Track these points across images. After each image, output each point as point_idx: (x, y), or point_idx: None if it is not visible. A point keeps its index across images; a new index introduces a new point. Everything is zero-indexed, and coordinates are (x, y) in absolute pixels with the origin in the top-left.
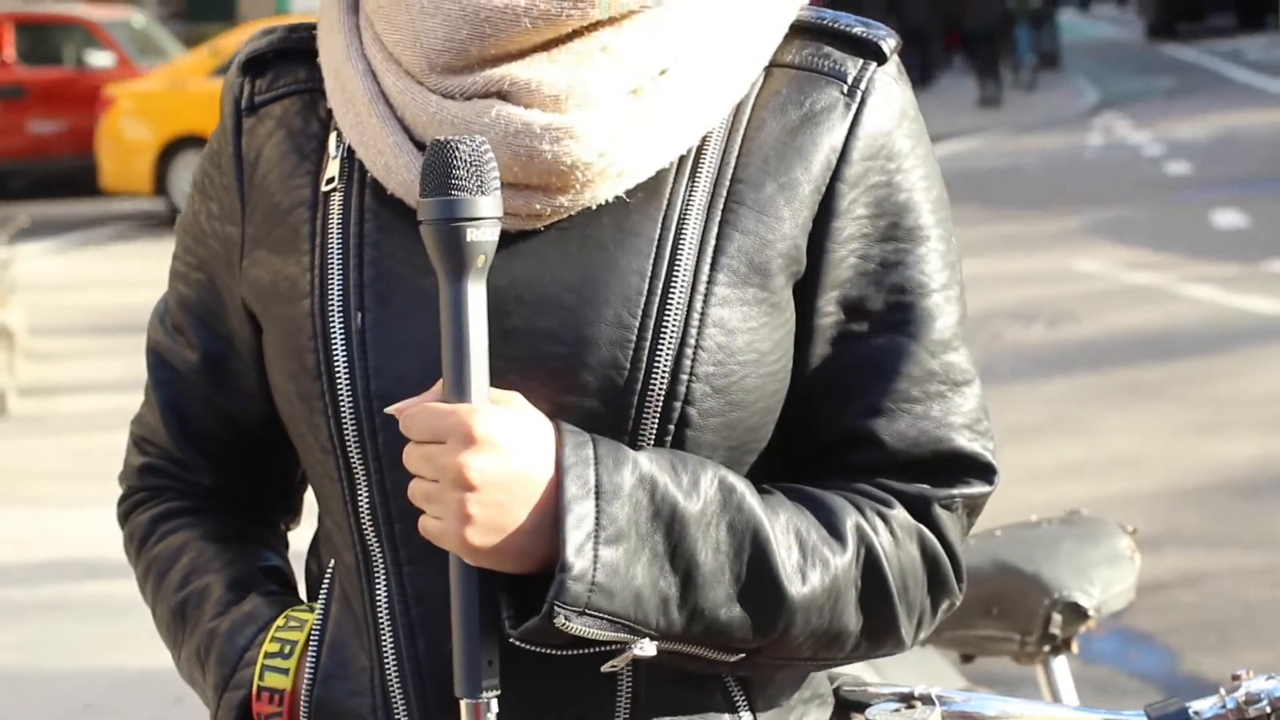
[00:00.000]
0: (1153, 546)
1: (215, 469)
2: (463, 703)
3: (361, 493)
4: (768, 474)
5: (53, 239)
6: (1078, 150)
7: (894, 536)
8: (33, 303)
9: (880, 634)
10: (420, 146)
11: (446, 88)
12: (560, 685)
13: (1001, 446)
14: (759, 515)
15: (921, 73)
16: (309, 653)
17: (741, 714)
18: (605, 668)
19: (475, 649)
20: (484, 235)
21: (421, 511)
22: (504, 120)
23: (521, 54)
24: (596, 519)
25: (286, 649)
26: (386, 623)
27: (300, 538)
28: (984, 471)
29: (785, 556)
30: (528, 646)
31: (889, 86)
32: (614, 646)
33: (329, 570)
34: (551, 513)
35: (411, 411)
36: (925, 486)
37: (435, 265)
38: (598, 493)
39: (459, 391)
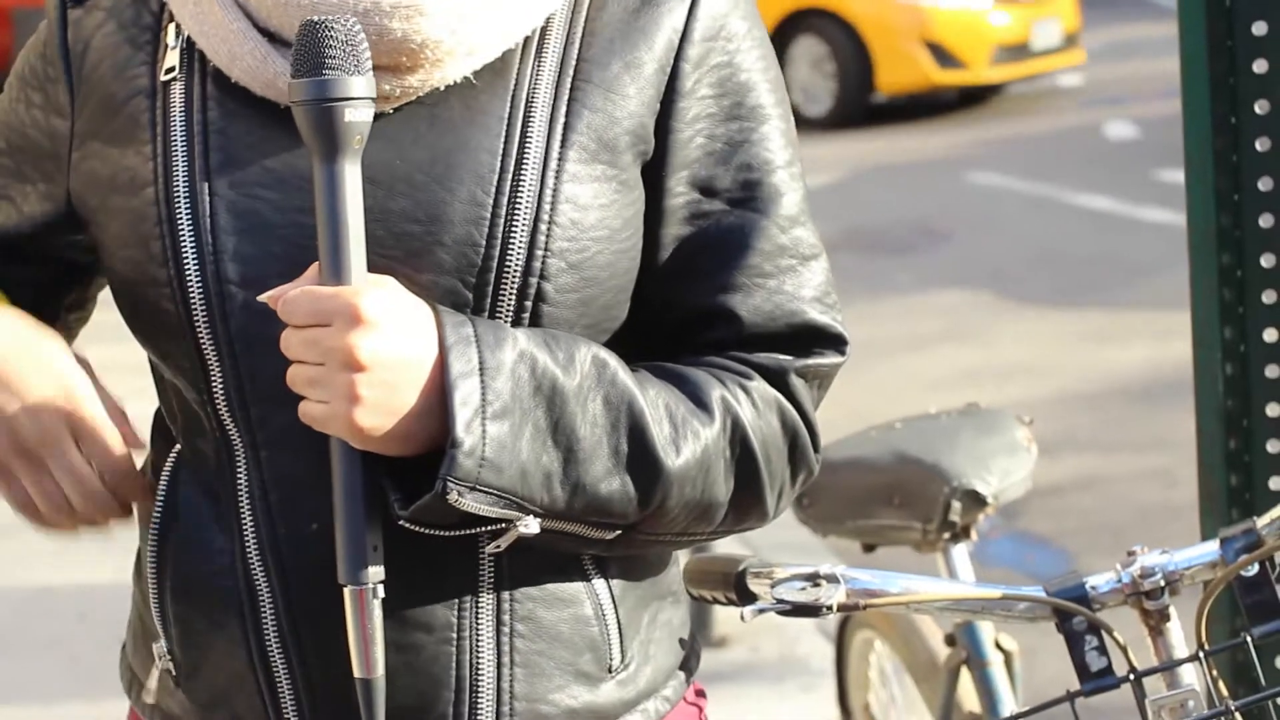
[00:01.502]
0: (1048, 451)
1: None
2: (346, 589)
3: (215, 378)
4: (625, 353)
5: None
6: None
7: (755, 408)
8: None
9: (746, 505)
10: (264, 33)
11: None
12: (426, 567)
13: (899, 356)
14: (632, 389)
15: None
16: (151, 532)
17: (599, 593)
18: (490, 548)
19: (360, 534)
20: (360, 115)
21: (282, 395)
22: (352, 0)
23: None
24: (483, 395)
25: None
26: (246, 507)
27: None
28: (836, 342)
29: (659, 430)
30: (415, 528)
31: None
32: (499, 526)
33: (173, 453)
34: (438, 392)
35: (291, 295)
36: (782, 357)
37: (309, 146)
38: (481, 370)
39: (336, 274)
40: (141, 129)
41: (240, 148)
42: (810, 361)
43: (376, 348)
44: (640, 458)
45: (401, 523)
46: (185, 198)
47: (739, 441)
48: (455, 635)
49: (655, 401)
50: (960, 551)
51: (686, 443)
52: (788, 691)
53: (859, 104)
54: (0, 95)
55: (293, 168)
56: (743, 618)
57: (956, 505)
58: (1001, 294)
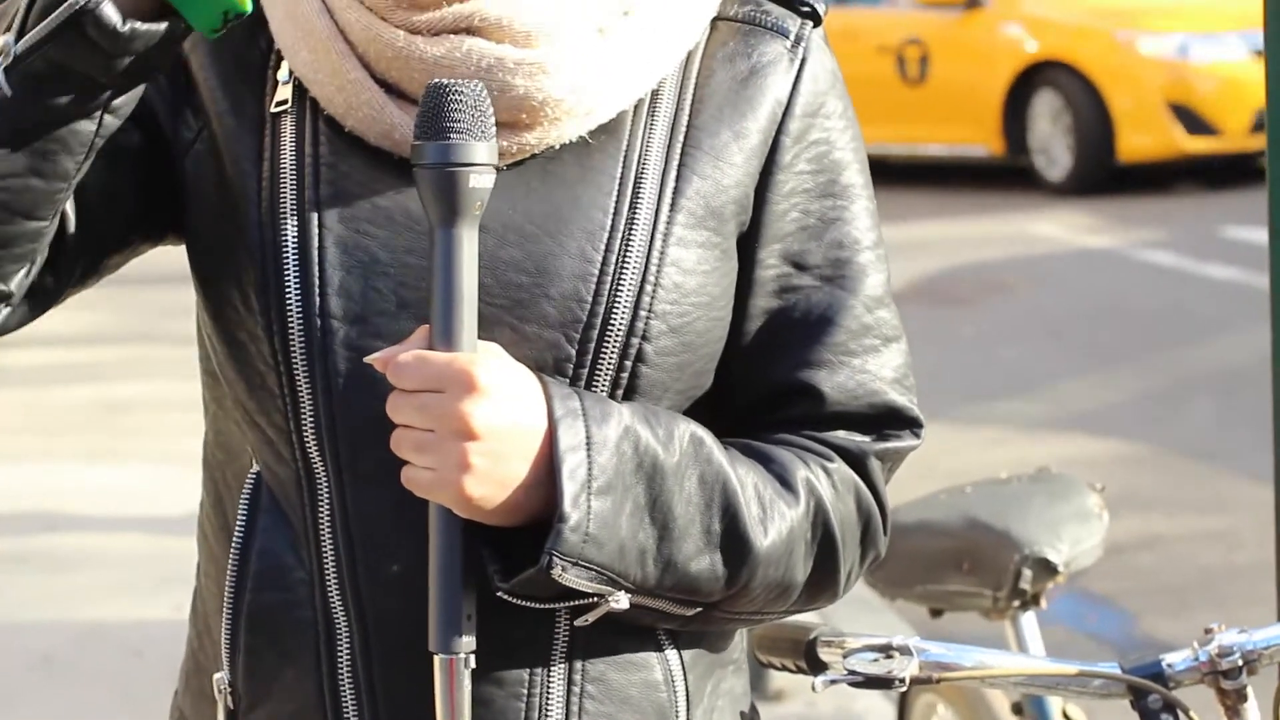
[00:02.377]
0: (1110, 509)
1: None
2: (437, 659)
3: (306, 410)
4: (705, 424)
5: None
6: None
7: (836, 490)
8: None
9: (821, 586)
10: (382, 84)
11: (413, 23)
12: (503, 621)
13: (961, 407)
14: (726, 468)
15: None
16: (231, 555)
17: (670, 660)
18: (579, 621)
19: (456, 604)
20: (482, 182)
21: (373, 435)
22: (476, 55)
23: None
24: (589, 470)
25: None
26: (329, 540)
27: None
28: (913, 425)
29: (748, 510)
30: (515, 600)
31: (822, 48)
32: (590, 600)
33: (252, 474)
34: (545, 464)
35: (403, 359)
36: (863, 439)
37: (428, 210)
38: (589, 444)
39: (448, 339)
40: (247, 157)
41: (350, 184)
42: (889, 446)
43: (490, 417)
44: (730, 538)
45: (500, 595)
46: (294, 229)
47: (821, 524)
48: (526, 691)
49: (745, 481)
50: (1030, 620)
51: (773, 524)
52: None
53: (1100, 168)
54: None
55: (403, 208)
56: (814, 688)
57: (1027, 573)
58: (1063, 348)
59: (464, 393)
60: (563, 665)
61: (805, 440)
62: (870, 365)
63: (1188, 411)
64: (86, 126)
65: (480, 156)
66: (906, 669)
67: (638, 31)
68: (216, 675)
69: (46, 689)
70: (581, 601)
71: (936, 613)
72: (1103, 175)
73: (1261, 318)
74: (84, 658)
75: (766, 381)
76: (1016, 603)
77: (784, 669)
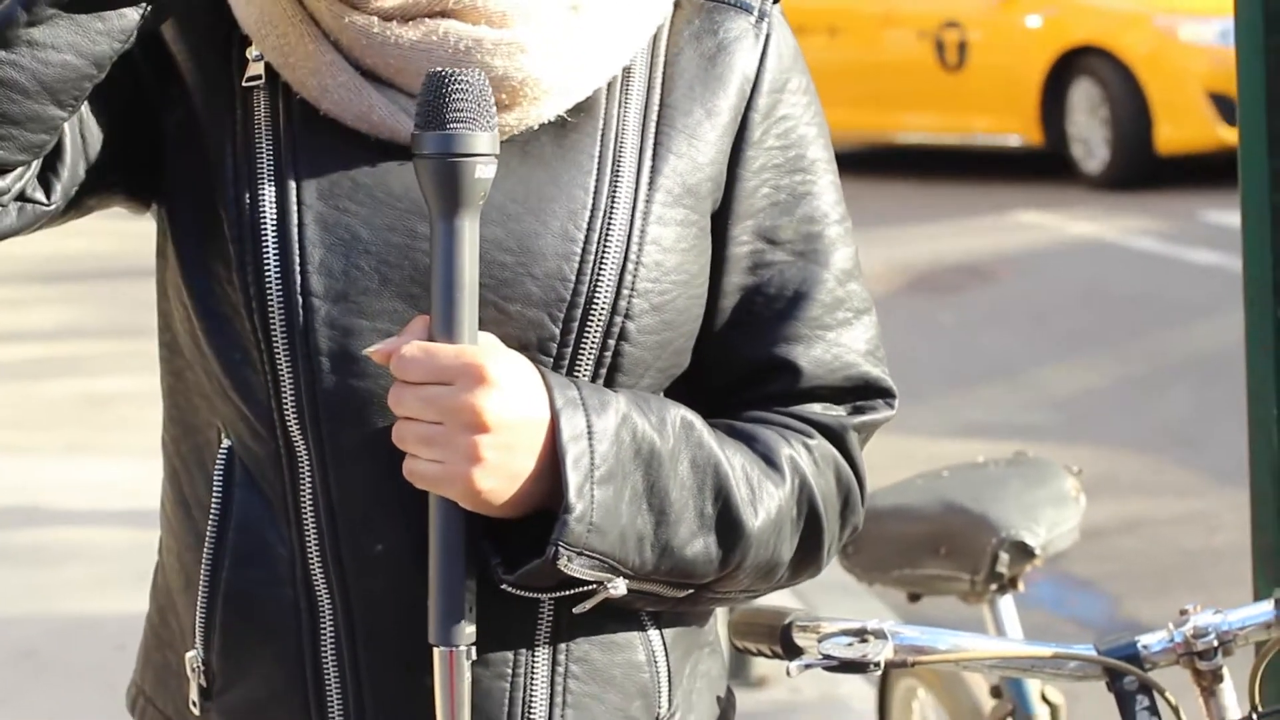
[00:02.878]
0: (1091, 494)
1: None
2: (437, 651)
3: (286, 388)
4: (683, 403)
5: None
6: None
7: (817, 466)
8: None
9: (805, 562)
10: (357, 68)
11: (385, 10)
12: (487, 603)
13: (943, 395)
14: (716, 451)
15: None
16: (209, 531)
17: (652, 640)
18: (577, 609)
19: (458, 596)
20: (487, 172)
21: (354, 414)
22: (454, 37)
23: None
24: (591, 460)
25: None
26: (310, 519)
27: None
28: (887, 395)
29: (739, 491)
30: (517, 592)
31: (783, 23)
32: (589, 588)
33: (224, 450)
34: (549, 456)
35: (408, 351)
36: (840, 413)
37: (429, 201)
38: (590, 433)
39: (449, 331)
40: (221, 130)
41: (327, 161)
42: (865, 419)
43: (501, 409)
44: (723, 520)
45: (505, 587)
46: (272, 206)
47: (806, 501)
48: (511, 672)
49: (734, 463)
50: (1007, 603)
51: (762, 504)
52: None
53: (1138, 161)
54: None
55: (384, 185)
56: (789, 673)
57: (1004, 556)
58: (1045, 334)
59: (474, 385)
60: (547, 646)
61: (784, 418)
62: (844, 338)
63: (1167, 396)
64: (132, 14)
65: (484, 146)
66: (881, 653)
67: (610, 7)
68: (189, 654)
69: (30, 684)
70: (580, 590)
71: (915, 597)
72: (1140, 168)
73: (1240, 303)
74: (67, 652)
75: (743, 358)
76: (994, 586)
77: (759, 654)
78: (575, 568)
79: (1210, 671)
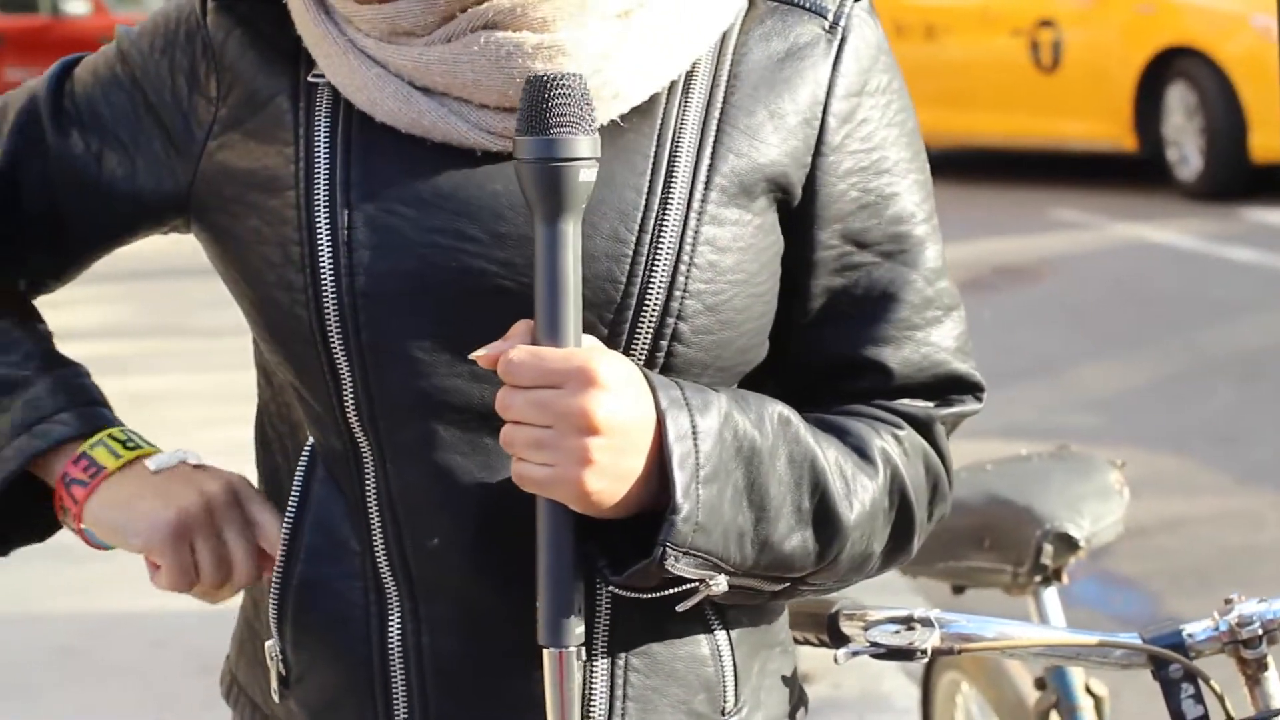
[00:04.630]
0: (1133, 492)
1: (9, 227)
2: (547, 652)
3: (346, 388)
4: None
5: None
6: None
7: (908, 457)
8: None
9: (897, 551)
10: (404, 80)
11: (430, 36)
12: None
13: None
14: (812, 445)
15: None
16: (284, 527)
17: (717, 635)
18: (680, 608)
19: (567, 597)
20: (589, 175)
21: (407, 410)
22: (494, 45)
23: None
24: (697, 460)
25: (130, 444)
26: (375, 513)
27: None
28: (975, 390)
29: (835, 485)
30: (623, 592)
31: (865, 23)
32: (692, 586)
33: (307, 447)
34: (656, 457)
35: (516, 356)
36: (928, 405)
37: (532, 205)
38: (695, 433)
39: (555, 334)
40: (284, 129)
41: (383, 163)
42: (953, 410)
43: (613, 412)
44: (820, 513)
45: (614, 589)
46: (325, 207)
47: (898, 492)
48: None
49: (829, 457)
50: (1051, 595)
51: (857, 497)
52: None
53: (1232, 170)
54: (131, 40)
55: (435, 188)
56: (836, 660)
57: (1048, 548)
58: (1084, 332)
59: (585, 387)
60: (606, 640)
61: (874, 410)
62: (934, 337)
63: (1208, 395)
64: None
65: (586, 150)
66: (928, 640)
67: (665, 15)
68: (268, 643)
69: (67, 680)
70: (682, 588)
71: (959, 590)
72: (1235, 177)
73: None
74: (105, 649)
75: (832, 357)
76: (1038, 578)
77: (806, 642)
78: (681, 567)
79: (1255, 660)
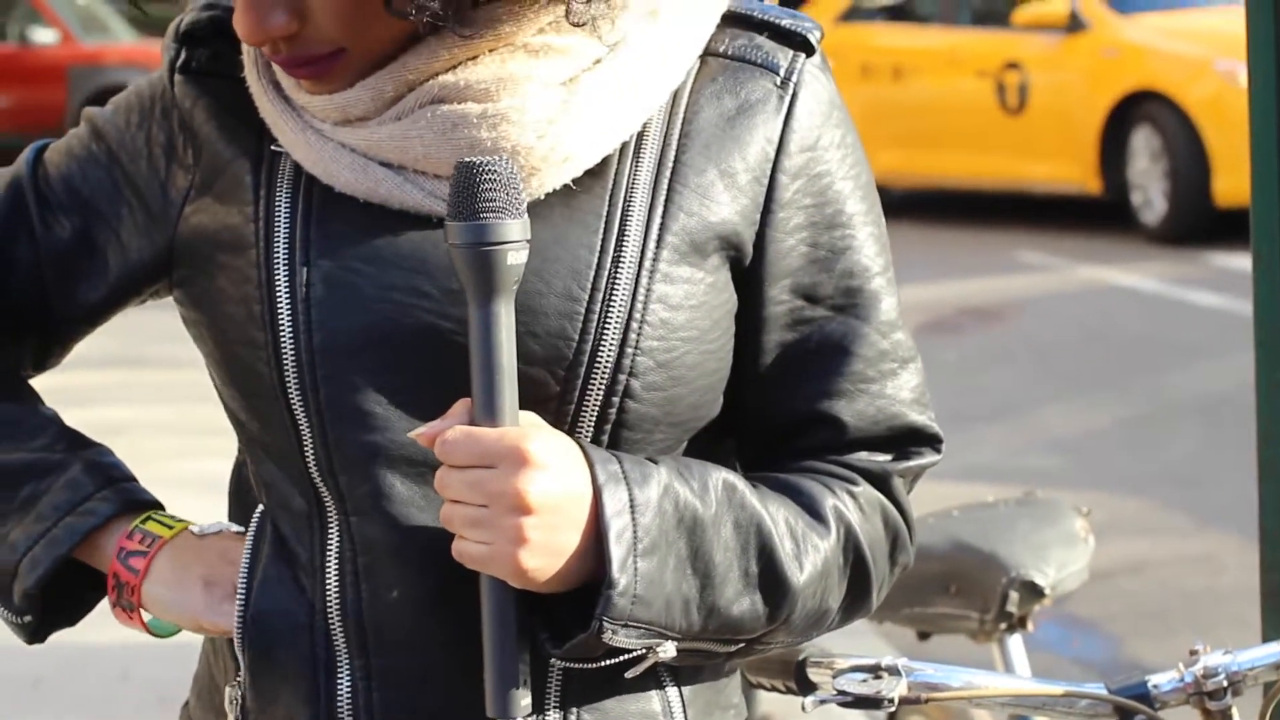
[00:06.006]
0: (1095, 535)
1: None
2: None
3: (307, 444)
4: (723, 455)
5: None
6: None
7: (863, 512)
8: None
9: (855, 607)
10: (360, 154)
11: (381, 117)
12: None
13: (946, 436)
14: (759, 509)
15: None
16: (239, 584)
17: (669, 694)
18: (629, 674)
19: (512, 668)
20: (519, 258)
21: (364, 466)
22: (440, 118)
23: (446, 69)
24: (634, 533)
25: (176, 519)
26: (334, 568)
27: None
28: (934, 442)
29: (783, 547)
30: (569, 664)
31: (817, 78)
32: (638, 654)
33: (257, 514)
34: (593, 531)
35: (452, 436)
36: (885, 459)
37: (465, 287)
38: (632, 507)
39: (491, 413)
40: (245, 190)
41: (341, 224)
42: (910, 464)
43: (545, 491)
44: (768, 577)
45: (553, 660)
46: (285, 264)
47: (852, 549)
48: None
49: (777, 519)
50: (1016, 642)
51: (808, 557)
52: None
53: (1196, 214)
54: (106, 117)
55: (393, 247)
56: (804, 708)
57: (1014, 595)
58: (1048, 374)
59: (517, 468)
60: (557, 699)
61: (829, 465)
62: (889, 389)
63: (1171, 438)
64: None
65: (515, 234)
66: (895, 689)
67: (612, 79)
68: (227, 688)
69: (35, 713)
70: (629, 656)
71: (924, 635)
72: (1199, 221)
73: (1243, 345)
74: (71, 681)
75: (785, 413)
76: (1003, 625)
77: (773, 689)
78: (621, 639)
79: (1220, 712)
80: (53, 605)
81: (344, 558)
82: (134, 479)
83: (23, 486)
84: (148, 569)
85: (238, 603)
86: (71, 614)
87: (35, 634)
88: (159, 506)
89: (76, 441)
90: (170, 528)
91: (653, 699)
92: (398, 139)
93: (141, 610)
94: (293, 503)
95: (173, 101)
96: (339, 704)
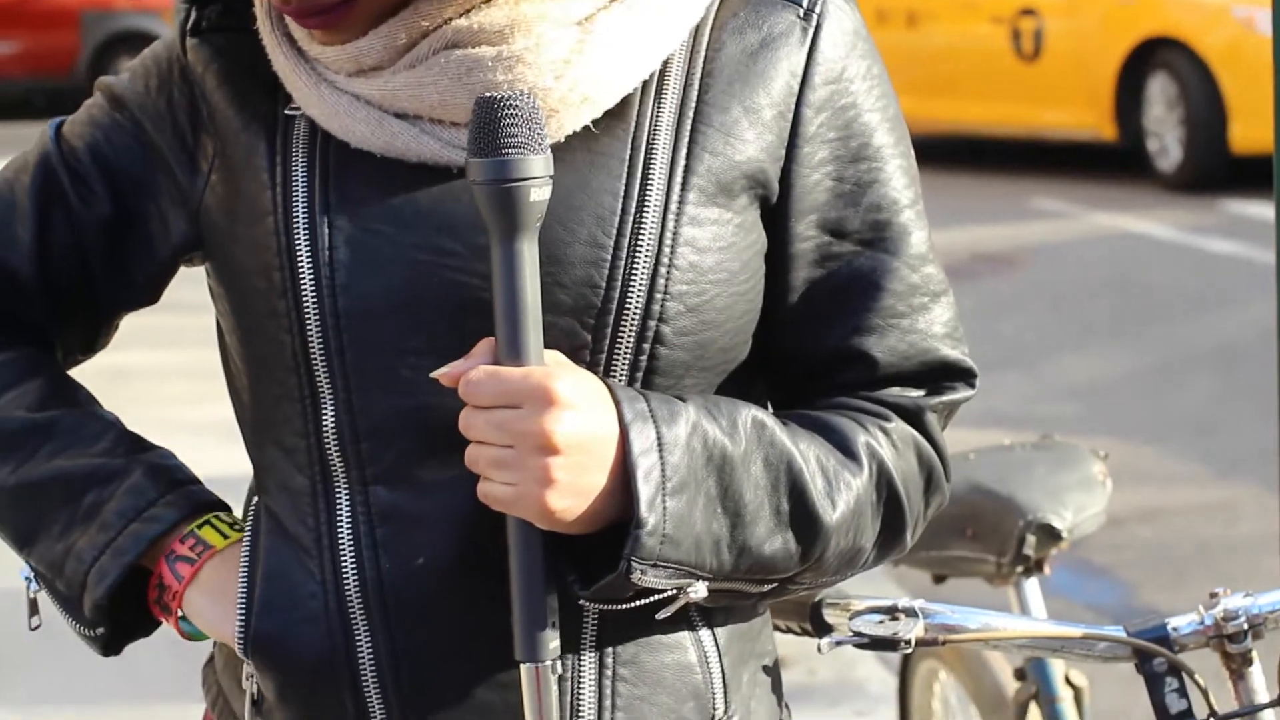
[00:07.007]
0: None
1: (44, 307)
2: (524, 667)
3: (326, 411)
4: (754, 397)
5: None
6: None
7: (896, 449)
8: None
9: (890, 544)
10: (375, 107)
11: (395, 65)
12: None
13: None
14: (789, 447)
15: None
16: (241, 578)
17: (704, 641)
18: (660, 615)
19: (542, 614)
20: (542, 194)
21: (392, 430)
22: (455, 63)
23: (460, 13)
24: (662, 471)
25: (236, 526)
26: (348, 542)
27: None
28: (967, 376)
29: (814, 485)
30: (597, 606)
31: (841, 9)
32: (669, 594)
33: (253, 506)
34: (620, 471)
35: (475, 376)
36: (918, 394)
37: (489, 225)
38: (660, 445)
39: (515, 353)
40: (259, 157)
41: (360, 184)
42: (943, 399)
43: (571, 430)
44: (800, 515)
45: (582, 602)
46: (305, 230)
47: (885, 486)
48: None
49: (808, 456)
50: (1033, 585)
51: (840, 495)
52: (843, 716)
53: (1212, 161)
54: (123, 85)
55: (413, 205)
56: (820, 649)
57: (1031, 539)
58: (1063, 321)
59: (543, 407)
60: (593, 650)
61: (861, 402)
62: (920, 324)
63: (1186, 386)
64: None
65: (538, 170)
66: (912, 631)
67: (629, 17)
68: (245, 668)
69: (49, 658)
70: (660, 596)
71: (940, 579)
72: (1215, 168)
73: (1261, 292)
74: None
75: (816, 350)
76: (1020, 569)
77: (789, 631)
78: (650, 579)
79: (1240, 654)
80: (124, 617)
81: (358, 531)
82: (198, 481)
83: (86, 494)
84: (193, 577)
85: (237, 617)
86: (146, 623)
87: (109, 646)
88: (224, 507)
89: (137, 445)
90: (225, 536)
91: (688, 650)
92: (413, 87)
93: (179, 614)
94: (292, 482)
95: (187, 66)
96: (364, 680)
